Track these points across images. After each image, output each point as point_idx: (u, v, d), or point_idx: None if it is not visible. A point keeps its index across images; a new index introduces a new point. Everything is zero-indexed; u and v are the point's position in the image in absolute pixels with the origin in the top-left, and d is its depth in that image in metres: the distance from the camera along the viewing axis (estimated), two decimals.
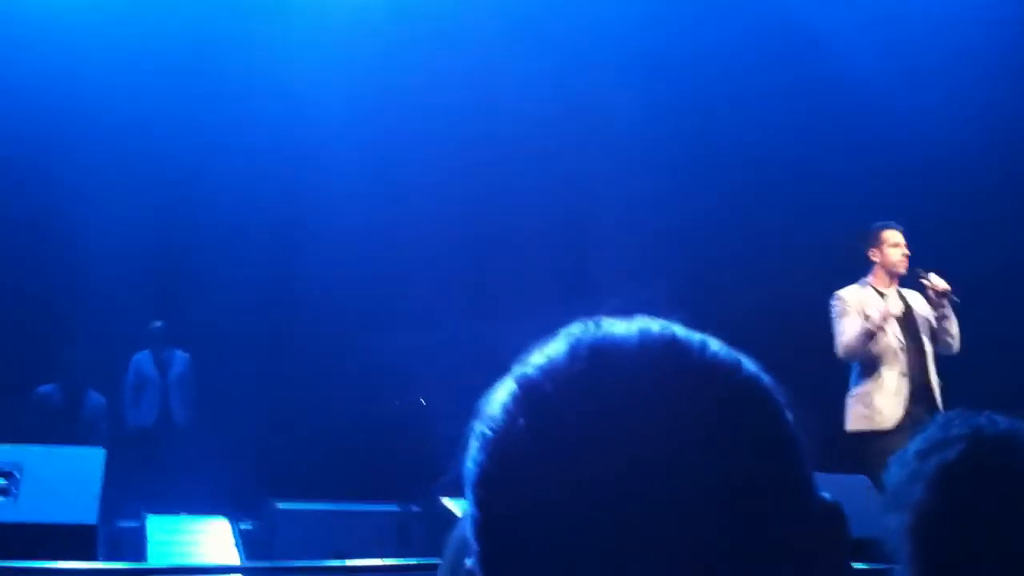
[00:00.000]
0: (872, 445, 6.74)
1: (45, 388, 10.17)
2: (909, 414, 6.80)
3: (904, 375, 6.91)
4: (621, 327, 0.85)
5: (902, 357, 6.93)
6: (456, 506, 6.49)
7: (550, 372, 0.83)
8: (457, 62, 11.46)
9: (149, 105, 11.23)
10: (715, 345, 0.84)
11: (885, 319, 6.89)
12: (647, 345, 0.83)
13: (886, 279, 7.07)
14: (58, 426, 9.69)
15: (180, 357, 10.77)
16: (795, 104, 11.06)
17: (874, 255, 7.08)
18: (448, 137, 11.69)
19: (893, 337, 6.94)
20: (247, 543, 7.49)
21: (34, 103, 10.99)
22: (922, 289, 7.09)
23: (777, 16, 11.03)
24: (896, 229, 7.07)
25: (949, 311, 6.99)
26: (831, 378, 7.20)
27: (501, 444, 0.82)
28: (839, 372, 7.29)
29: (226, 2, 11.47)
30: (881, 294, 7.07)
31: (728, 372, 0.82)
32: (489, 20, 11.44)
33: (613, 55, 11.54)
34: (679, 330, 0.84)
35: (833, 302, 7.06)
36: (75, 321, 10.85)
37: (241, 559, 6.92)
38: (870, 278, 7.11)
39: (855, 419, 6.97)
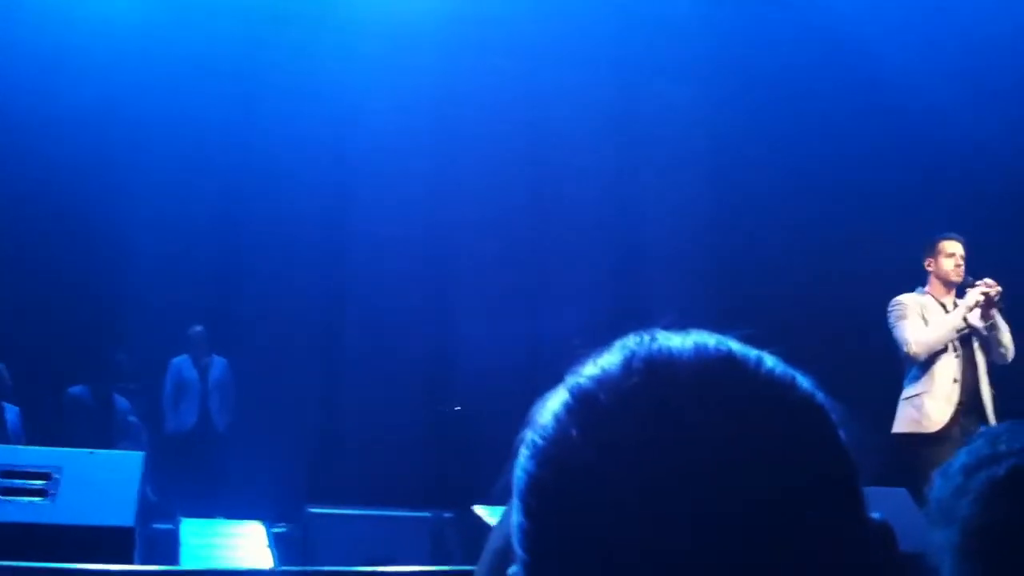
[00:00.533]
0: (918, 449, 6.76)
1: (75, 389, 10.24)
2: (958, 422, 6.82)
3: (956, 381, 6.92)
4: (676, 340, 0.84)
5: (956, 364, 6.94)
6: (489, 514, 6.47)
7: (605, 383, 0.83)
8: (506, 64, 11.46)
9: (196, 109, 11.30)
10: (771, 361, 0.84)
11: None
12: (703, 360, 0.82)
13: (942, 289, 7.10)
14: (94, 426, 9.75)
15: (219, 362, 10.80)
16: (846, 112, 11.00)
17: (930, 265, 7.13)
18: (496, 140, 11.69)
19: (949, 343, 6.95)
20: (281, 547, 7.50)
21: (86, 107, 11.08)
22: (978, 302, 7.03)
23: (820, 22, 10.97)
24: (955, 239, 7.10)
25: (1000, 320, 6.97)
26: (877, 383, 7.17)
27: (553, 453, 0.82)
28: (885, 376, 7.26)
29: (276, 8, 11.50)
30: (941, 304, 7.08)
31: (785, 389, 0.82)
32: (534, 27, 11.44)
33: (665, 61, 11.51)
34: (735, 345, 0.84)
35: (892, 307, 7.07)
36: (115, 323, 10.93)
37: (275, 563, 6.93)
38: (927, 288, 7.14)
39: (904, 421, 6.98)
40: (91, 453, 5.40)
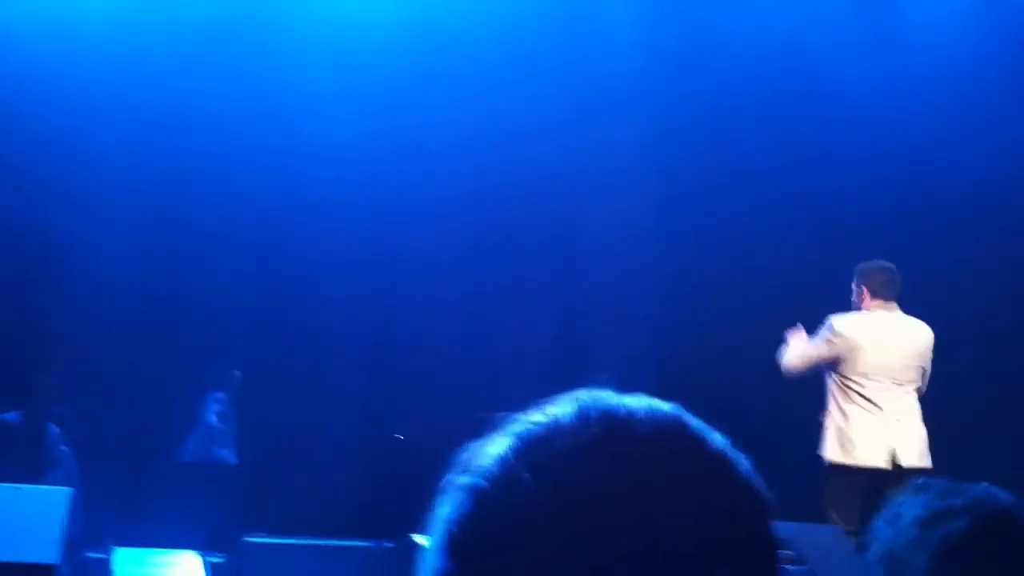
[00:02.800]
0: (838, 474, 6.85)
1: (7, 416, 9.96)
2: (882, 448, 6.86)
3: (882, 409, 6.93)
4: (628, 399, 0.86)
5: (879, 390, 6.97)
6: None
7: (559, 432, 0.83)
8: (469, 70, 11.44)
9: (131, 130, 11.13)
10: (718, 437, 0.87)
11: (830, 343, 6.99)
12: (659, 422, 0.85)
13: (872, 314, 7.15)
14: (23, 457, 9.51)
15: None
16: (801, 140, 11.09)
17: (860, 291, 7.20)
18: (441, 171, 11.62)
19: (875, 368, 6.97)
20: None
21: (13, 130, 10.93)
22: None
23: (770, 46, 11.07)
24: (883, 268, 7.20)
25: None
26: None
27: (499, 495, 0.81)
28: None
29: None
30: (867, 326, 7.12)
31: (730, 468, 0.85)
32: (480, 57, 11.43)
33: (612, 91, 11.54)
34: (685, 414, 0.87)
35: (826, 324, 7.10)
36: (47, 343, 10.75)
37: None
38: (859, 313, 7.19)
39: (830, 449, 7.00)
40: (17, 488, 5.28)
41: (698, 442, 0.85)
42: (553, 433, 0.83)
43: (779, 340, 7.32)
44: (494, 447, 0.84)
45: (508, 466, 0.82)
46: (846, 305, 7.28)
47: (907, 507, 1.74)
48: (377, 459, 11.05)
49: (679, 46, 11.48)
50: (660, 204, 11.62)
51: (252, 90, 11.37)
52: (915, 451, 6.94)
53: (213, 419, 10.74)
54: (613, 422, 0.83)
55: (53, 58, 11.08)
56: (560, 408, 0.85)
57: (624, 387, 0.88)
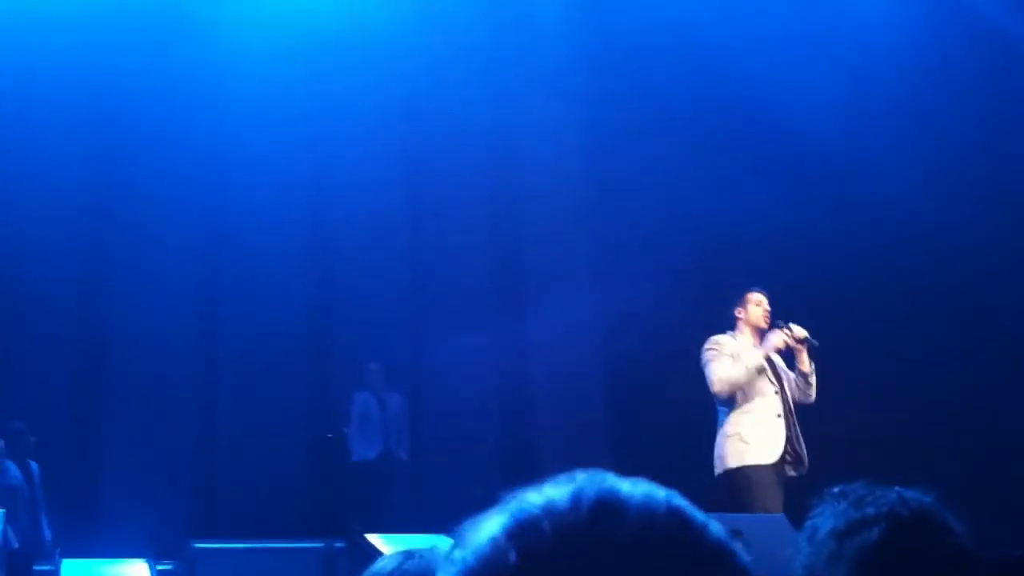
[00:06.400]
0: (751, 476, 7.14)
1: None
2: (783, 454, 7.25)
3: (780, 416, 7.34)
4: (626, 485, 0.86)
5: (777, 400, 7.38)
6: (383, 543, 6.37)
7: (550, 513, 0.84)
8: (378, 81, 11.39)
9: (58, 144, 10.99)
10: (716, 527, 0.86)
11: (768, 356, 7.38)
12: (651, 510, 0.84)
13: (752, 335, 7.52)
14: None
15: (396, 396, 10.99)
16: (730, 126, 11.14)
17: (739, 313, 7.57)
18: (373, 157, 11.60)
19: (767, 381, 7.38)
20: None
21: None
22: (789, 344, 7.49)
23: (697, 31, 11.09)
24: (759, 291, 7.61)
25: (807, 360, 7.44)
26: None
27: (485, 574, 0.83)
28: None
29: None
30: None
31: (727, 558, 0.85)
32: (404, 43, 11.38)
33: (538, 75, 11.52)
34: (683, 502, 0.87)
35: (707, 346, 7.46)
36: None
37: None
38: (738, 332, 7.55)
39: (733, 455, 7.25)
40: None
41: (693, 532, 0.84)
42: (544, 516, 0.83)
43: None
44: (489, 525, 0.85)
45: (498, 547, 0.83)
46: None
47: (823, 519, 1.73)
48: (323, 461, 11.03)
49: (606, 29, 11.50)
50: (593, 210, 11.67)
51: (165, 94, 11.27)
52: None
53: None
54: (603, 508, 0.83)
55: None
56: (556, 490, 0.86)
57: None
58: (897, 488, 1.78)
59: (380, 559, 1.96)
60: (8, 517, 9.29)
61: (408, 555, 1.89)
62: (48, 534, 9.73)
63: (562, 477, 0.88)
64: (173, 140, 11.18)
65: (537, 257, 11.73)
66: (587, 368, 11.33)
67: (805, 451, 7.32)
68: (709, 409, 7.58)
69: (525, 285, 11.78)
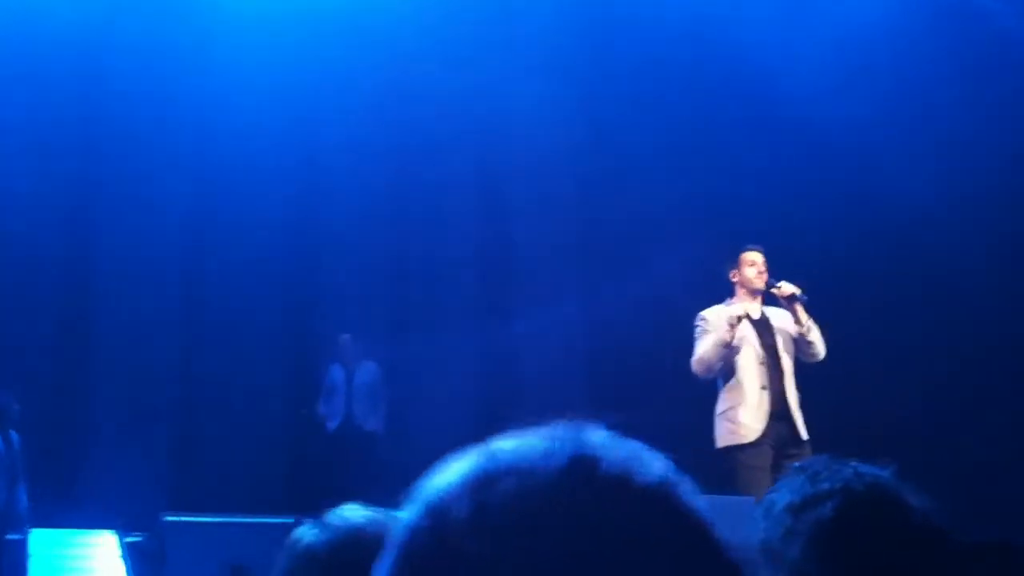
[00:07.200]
0: (737, 457, 6.96)
1: None
2: (770, 427, 6.97)
3: (764, 388, 7.05)
4: (611, 446, 0.79)
5: (761, 371, 7.08)
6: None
7: (517, 471, 0.77)
8: (364, 63, 11.33)
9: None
10: (704, 505, 0.79)
11: (732, 325, 7.04)
12: (631, 482, 0.77)
13: (748, 297, 7.25)
14: None
15: (368, 367, 10.94)
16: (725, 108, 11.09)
17: (734, 276, 7.30)
18: (358, 142, 11.54)
19: (752, 352, 7.10)
20: (135, 558, 7.25)
21: None
22: (781, 303, 7.23)
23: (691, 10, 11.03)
24: (755, 250, 7.31)
25: (806, 318, 7.13)
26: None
27: (433, 532, 0.77)
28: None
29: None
30: (747, 313, 7.18)
31: (710, 546, 0.78)
32: (390, 25, 11.30)
33: (525, 57, 11.45)
34: (671, 475, 0.80)
35: (697, 322, 7.23)
36: None
37: (127, 574, 6.70)
38: (734, 299, 7.29)
39: (722, 436, 7.11)
40: None
41: (673, 512, 0.77)
42: (511, 468, 0.77)
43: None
44: (452, 472, 0.79)
45: (452, 500, 0.77)
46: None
47: (779, 494, 1.71)
48: (297, 436, 11.02)
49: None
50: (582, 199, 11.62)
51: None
52: None
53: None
54: (576, 472, 0.76)
55: None
56: (531, 441, 0.79)
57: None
58: (853, 463, 1.76)
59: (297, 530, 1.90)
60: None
61: (322, 526, 1.84)
62: (25, 504, 9.68)
63: (548, 427, 0.80)
64: (158, 123, 11.18)
65: (524, 255, 11.67)
66: (572, 367, 11.27)
67: (799, 418, 7.01)
68: (696, 408, 7.49)
69: (512, 283, 11.71)
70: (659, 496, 0.77)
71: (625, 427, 0.84)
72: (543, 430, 0.81)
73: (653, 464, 0.79)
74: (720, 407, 7.14)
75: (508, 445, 0.79)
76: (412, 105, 11.37)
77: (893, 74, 10.64)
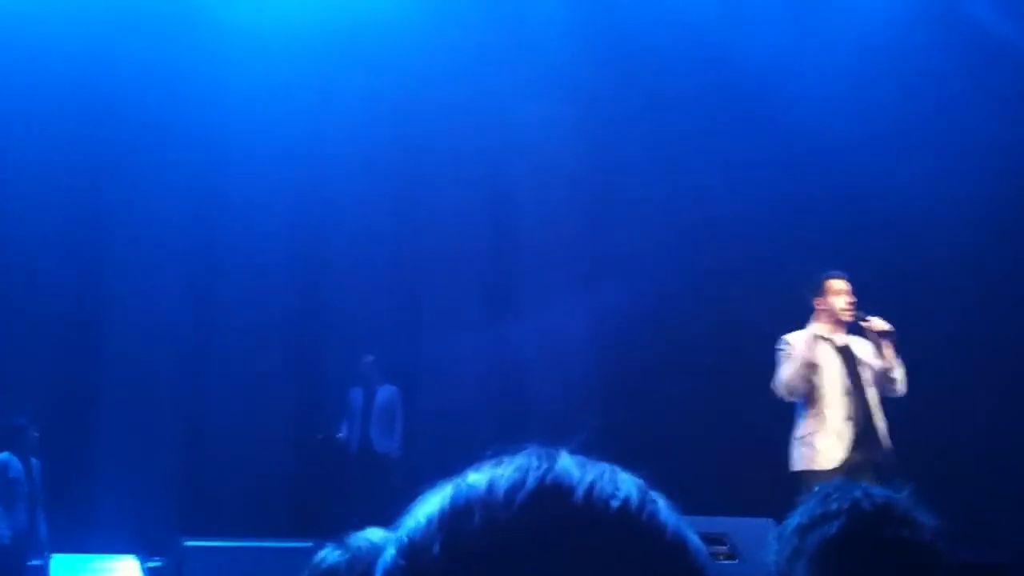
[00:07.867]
0: (810, 483, 6.66)
1: None
2: (851, 458, 6.86)
3: (848, 419, 6.94)
4: (579, 472, 0.79)
5: (846, 401, 6.96)
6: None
7: (486, 503, 0.79)
8: (375, 85, 11.35)
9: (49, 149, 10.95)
10: (677, 531, 0.79)
11: (810, 348, 6.93)
12: (600, 508, 0.77)
13: (831, 325, 7.08)
14: None
15: (387, 389, 10.91)
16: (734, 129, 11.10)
17: (819, 303, 7.10)
18: (369, 164, 11.56)
19: (838, 381, 6.97)
20: None
21: None
22: (869, 337, 7.11)
23: (699, 31, 11.06)
24: (840, 277, 7.12)
25: (892, 354, 7.01)
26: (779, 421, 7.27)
27: (408, 565, 0.79)
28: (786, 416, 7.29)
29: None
30: (830, 339, 7.07)
31: (684, 564, 0.79)
32: (402, 47, 11.35)
33: (535, 80, 11.48)
34: (642, 497, 0.79)
35: (780, 346, 7.09)
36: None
37: None
38: (816, 325, 7.11)
39: (799, 460, 7.01)
40: None
41: (644, 537, 0.77)
42: (480, 503, 0.78)
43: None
44: (428, 507, 0.80)
45: (424, 539, 0.78)
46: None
47: (794, 516, 1.73)
48: (314, 461, 11.00)
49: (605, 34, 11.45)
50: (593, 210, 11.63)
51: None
52: None
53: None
54: (543, 501, 0.77)
55: None
56: (501, 471, 0.80)
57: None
58: (863, 484, 1.78)
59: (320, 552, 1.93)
60: (4, 511, 9.27)
61: (344, 547, 1.86)
62: (45, 530, 9.68)
63: (518, 454, 0.81)
64: (167, 131, 11.17)
65: (532, 256, 11.67)
66: (582, 367, 11.26)
67: (887, 446, 6.87)
68: (703, 408, 7.47)
69: (520, 284, 11.72)
70: (627, 522, 0.77)
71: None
72: (515, 457, 0.81)
73: (622, 487, 0.79)
74: (799, 431, 7.01)
75: (478, 477, 0.81)
76: (420, 113, 11.40)
77: (894, 79, 10.66)
